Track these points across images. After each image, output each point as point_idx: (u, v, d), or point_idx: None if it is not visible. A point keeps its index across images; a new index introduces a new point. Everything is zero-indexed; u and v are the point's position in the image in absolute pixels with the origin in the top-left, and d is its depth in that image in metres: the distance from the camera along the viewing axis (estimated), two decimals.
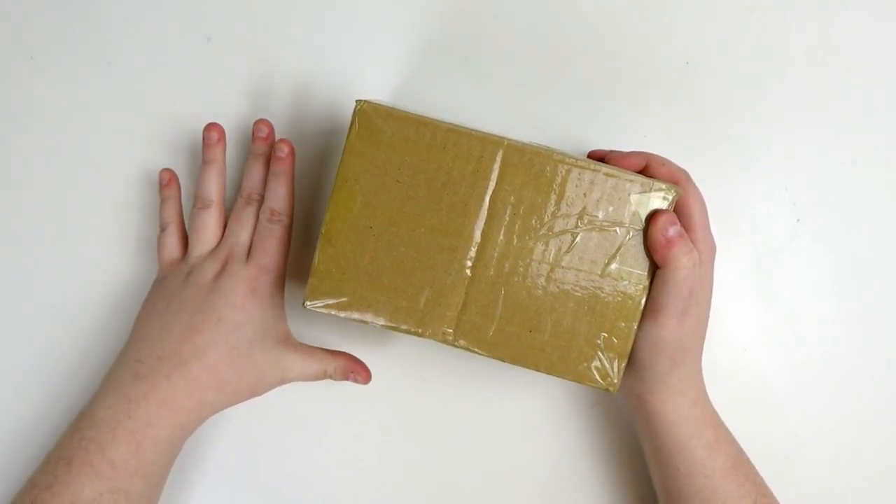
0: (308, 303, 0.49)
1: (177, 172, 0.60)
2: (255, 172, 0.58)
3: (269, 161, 0.57)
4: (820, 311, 0.62)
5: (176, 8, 0.62)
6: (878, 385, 0.62)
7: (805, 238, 0.62)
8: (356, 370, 0.58)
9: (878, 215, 0.62)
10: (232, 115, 0.61)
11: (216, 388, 0.53)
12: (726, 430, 0.55)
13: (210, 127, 0.57)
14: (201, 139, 0.58)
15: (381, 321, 0.49)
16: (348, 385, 0.60)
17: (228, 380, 0.53)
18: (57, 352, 0.61)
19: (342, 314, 0.49)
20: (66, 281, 0.61)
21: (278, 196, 0.56)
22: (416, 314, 0.49)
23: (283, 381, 0.57)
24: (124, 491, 0.50)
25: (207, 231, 0.57)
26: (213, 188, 0.58)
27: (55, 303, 0.61)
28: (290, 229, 0.57)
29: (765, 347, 0.62)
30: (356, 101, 0.48)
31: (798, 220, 0.62)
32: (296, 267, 0.60)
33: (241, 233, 0.56)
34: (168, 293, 0.55)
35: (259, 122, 0.57)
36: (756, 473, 0.55)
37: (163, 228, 0.59)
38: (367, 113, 0.48)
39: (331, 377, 0.58)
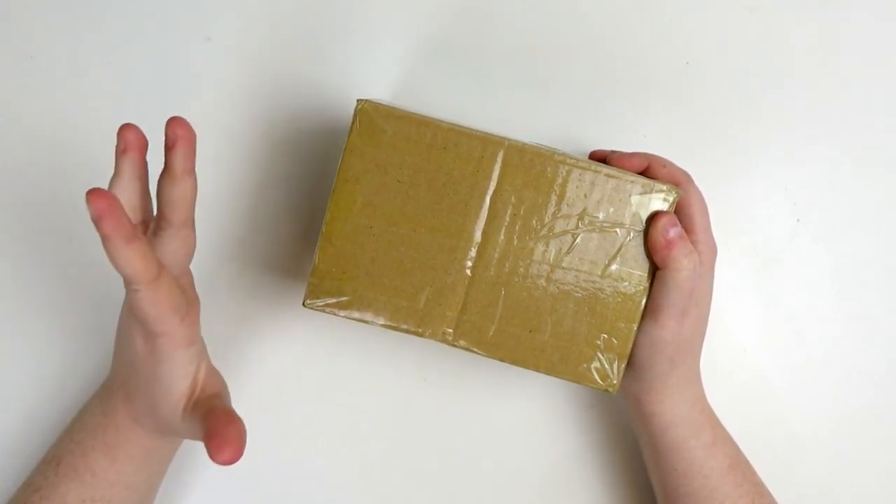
0: (308, 302, 0.49)
1: None
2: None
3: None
4: (820, 311, 0.62)
5: (176, 8, 0.62)
6: (878, 385, 0.62)
7: (805, 238, 0.62)
8: (217, 454, 0.42)
9: (878, 215, 0.62)
10: (232, 114, 0.61)
11: (149, 421, 0.49)
12: (724, 430, 0.55)
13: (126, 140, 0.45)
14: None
15: (381, 321, 0.49)
16: (348, 384, 0.61)
17: (149, 422, 0.49)
18: (57, 352, 0.61)
19: (342, 313, 0.49)
20: (66, 281, 0.61)
21: (119, 266, 0.41)
22: (416, 314, 0.49)
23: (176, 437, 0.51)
24: (107, 499, 0.50)
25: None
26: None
27: (55, 302, 0.61)
28: (154, 290, 0.43)
29: (765, 347, 0.62)
30: (357, 100, 0.48)
31: (798, 220, 0.62)
32: (296, 266, 0.60)
33: None
34: (122, 317, 0.52)
35: (90, 194, 0.38)
36: (754, 473, 0.55)
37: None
38: (367, 112, 0.48)
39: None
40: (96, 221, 0.39)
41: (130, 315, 0.47)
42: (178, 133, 0.44)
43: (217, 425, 0.43)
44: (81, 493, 0.49)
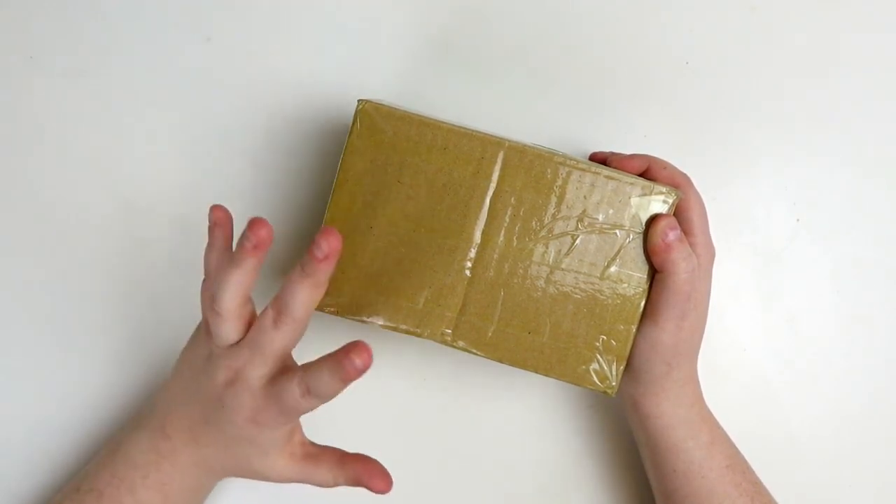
0: None
1: (177, 176, 0.57)
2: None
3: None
4: (820, 312, 0.62)
5: (176, 8, 0.62)
6: (877, 385, 0.62)
7: (805, 238, 0.62)
8: (371, 475, 0.48)
9: (878, 215, 0.62)
10: (231, 115, 0.61)
11: (227, 471, 0.51)
12: (722, 430, 0.55)
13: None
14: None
15: (380, 321, 0.49)
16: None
17: (233, 472, 0.51)
18: (56, 352, 0.61)
19: (341, 314, 0.49)
20: (64, 280, 0.61)
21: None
22: (416, 315, 0.49)
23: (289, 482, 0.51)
24: None
25: (222, 330, 0.46)
26: (229, 299, 0.45)
27: (54, 302, 0.61)
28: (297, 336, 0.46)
29: (765, 347, 0.62)
30: (358, 100, 0.48)
31: (798, 220, 0.62)
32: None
33: None
34: (193, 361, 0.50)
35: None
36: (752, 473, 0.55)
37: (206, 277, 0.49)
38: (368, 113, 0.48)
39: (342, 485, 0.49)
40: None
41: (219, 386, 0.47)
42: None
43: (362, 467, 0.48)
44: None
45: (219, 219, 0.48)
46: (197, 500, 0.53)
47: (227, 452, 0.49)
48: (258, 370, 0.45)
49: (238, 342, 0.46)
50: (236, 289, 0.45)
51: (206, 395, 0.47)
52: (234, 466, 0.50)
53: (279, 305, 0.44)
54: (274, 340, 0.45)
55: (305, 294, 0.43)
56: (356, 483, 0.48)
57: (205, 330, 0.49)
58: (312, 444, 0.50)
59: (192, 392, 0.49)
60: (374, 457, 0.49)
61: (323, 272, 0.43)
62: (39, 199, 0.61)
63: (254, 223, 0.42)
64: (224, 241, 0.48)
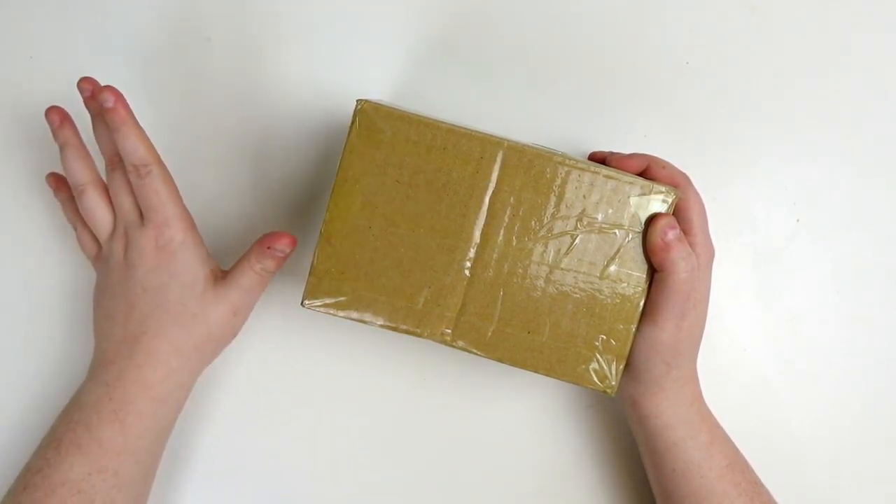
0: (307, 302, 0.49)
1: (177, 175, 0.58)
2: (102, 135, 0.55)
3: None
4: (820, 311, 0.62)
5: (176, 8, 0.62)
6: (877, 385, 0.62)
7: (805, 238, 0.62)
8: (271, 244, 0.54)
9: (878, 215, 0.62)
10: (231, 115, 0.61)
11: (175, 353, 0.53)
12: (721, 430, 0.55)
13: (49, 112, 0.55)
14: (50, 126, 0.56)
15: (380, 321, 0.49)
16: (346, 385, 0.60)
17: (181, 341, 0.53)
18: (53, 348, 0.61)
19: (341, 314, 0.49)
20: (62, 278, 0.61)
21: (129, 149, 0.52)
22: (415, 314, 0.49)
23: (236, 314, 0.55)
24: (112, 470, 0.50)
25: (97, 214, 0.55)
26: (79, 170, 0.55)
27: (51, 301, 0.61)
28: (164, 171, 0.53)
29: (765, 347, 0.62)
30: (357, 100, 0.48)
31: (798, 220, 0.62)
32: (295, 266, 0.60)
33: (124, 200, 0.54)
34: (102, 285, 0.56)
35: (81, 81, 0.53)
36: (752, 472, 0.55)
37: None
38: (367, 113, 0.48)
39: (262, 271, 0.55)
40: (113, 109, 0.50)
41: (121, 263, 0.54)
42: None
43: (261, 241, 0.54)
44: (87, 467, 0.50)
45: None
46: (154, 433, 0.53)
47: (166, 319, 0.53)
48: (133, 214, 0.54)
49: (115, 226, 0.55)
50: (79, 160, 0.55)
51: (119, 280, 0.54)
52: (181, 333, 0.53)
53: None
54: (152, 192, 0.52)
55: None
56: (268, 251, 0.54)
57: (95, 258, 0.57)
58: (223, 270, 0.56)
59: (112, 304, 0.54)
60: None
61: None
62: (39, 199, 0.62)
63: (46, 114, 0.55)
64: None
